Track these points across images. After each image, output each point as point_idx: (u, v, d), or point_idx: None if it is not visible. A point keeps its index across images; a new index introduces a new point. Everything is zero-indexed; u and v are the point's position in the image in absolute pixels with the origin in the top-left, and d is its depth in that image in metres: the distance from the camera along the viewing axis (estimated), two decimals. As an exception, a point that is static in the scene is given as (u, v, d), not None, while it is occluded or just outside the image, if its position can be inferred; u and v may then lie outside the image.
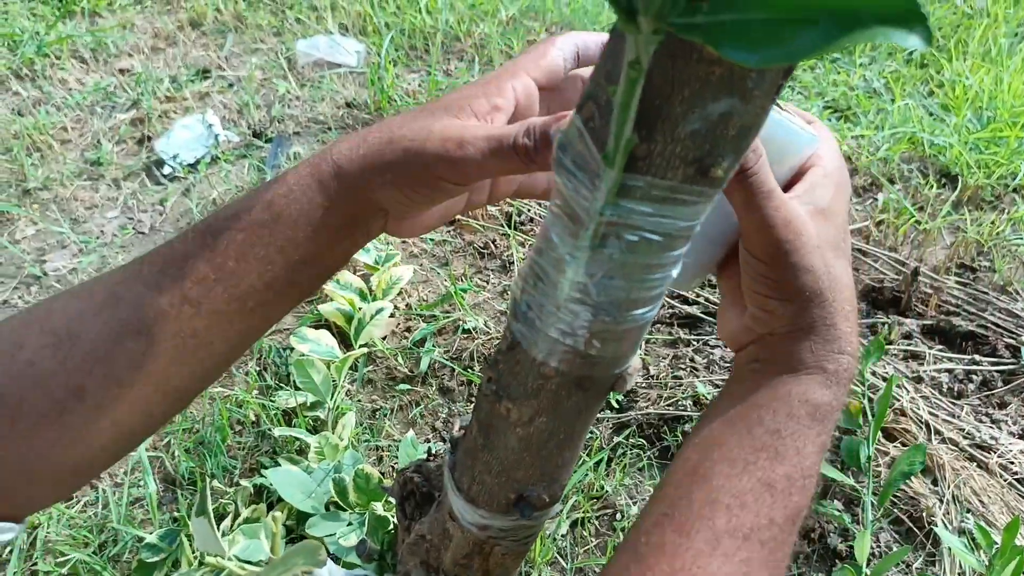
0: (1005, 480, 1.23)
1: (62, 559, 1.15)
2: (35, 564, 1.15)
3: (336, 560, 1.04)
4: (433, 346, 1.46)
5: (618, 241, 0.34)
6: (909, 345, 1.47)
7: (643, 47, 0.26)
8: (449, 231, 1.77)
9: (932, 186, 1.90)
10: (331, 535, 1.07)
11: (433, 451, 0.60)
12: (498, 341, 1.46)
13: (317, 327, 1.43)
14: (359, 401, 1.39)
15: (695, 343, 1.49)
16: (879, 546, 1.16)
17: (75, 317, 0.41)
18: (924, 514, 1.18)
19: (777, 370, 0.43)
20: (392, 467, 1.27)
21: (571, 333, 0.39)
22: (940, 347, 1.48)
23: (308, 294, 0.47)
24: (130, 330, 0.41)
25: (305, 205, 0.43)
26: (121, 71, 2.22)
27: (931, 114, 2.19)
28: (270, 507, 1.17)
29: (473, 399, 1.38)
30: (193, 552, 1.07)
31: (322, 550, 0.44)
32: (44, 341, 0.40)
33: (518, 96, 0.44)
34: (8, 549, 1.16)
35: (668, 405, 1.37)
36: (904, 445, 1.27)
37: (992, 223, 1.78)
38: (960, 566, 1.11)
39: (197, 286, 0.42)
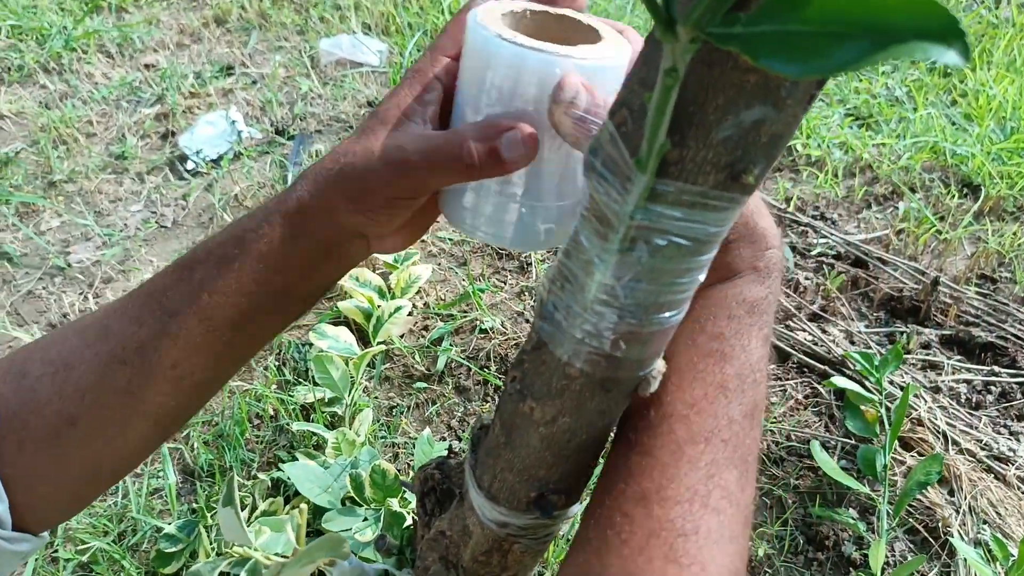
0: (1023, 492, 1.22)
1: (82, 547, 1.16)
2: (56, 551, 1.17)
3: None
4: (450, 345, 1.47)
5: (647, 245, 0.34)
6: (927, 355, 1.46)
7: (680, 55, 0.27)
8: (468, 231, 1.78)
9: (954, 196, 1.89)
10: (347, 530, 1.08)
11: (453, 448, 0.61)
12: (516, 342, 1.46)
13: (336, 324, 1.44)
14: (376, 398, 1.40)
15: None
16: (894, 555, 1.16)
17: (71, 349, 0.45)
18: (940, 524, 1.18)
19: (709, 282, 0.42)
20: (408, 464, 1.28)
21: (597, 335, 0.39)
22: (959, 357, 1.47)
23: (294, 319, 0.49)
24: (116, 360, 0.44)
25: (273, 240, 0.44)
26: (146, 66, 2.25)
27: (953, 123, 2.18)
28: (287, 501, 1.18)
29: (489, 399, 1.39)
30: (211, 543, 1.08)
31: (347, 543, 0.45)
32: (44, 370, 0.44)
33: (444, 83, 0.45)
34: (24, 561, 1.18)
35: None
36: (921, 455, 1.27)
37: (1014, 234, 1.77)
38: (975, 578, 1.11)
39: (173, 319, 0.44)
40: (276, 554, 0.82)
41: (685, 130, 0.30)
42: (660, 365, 0.44)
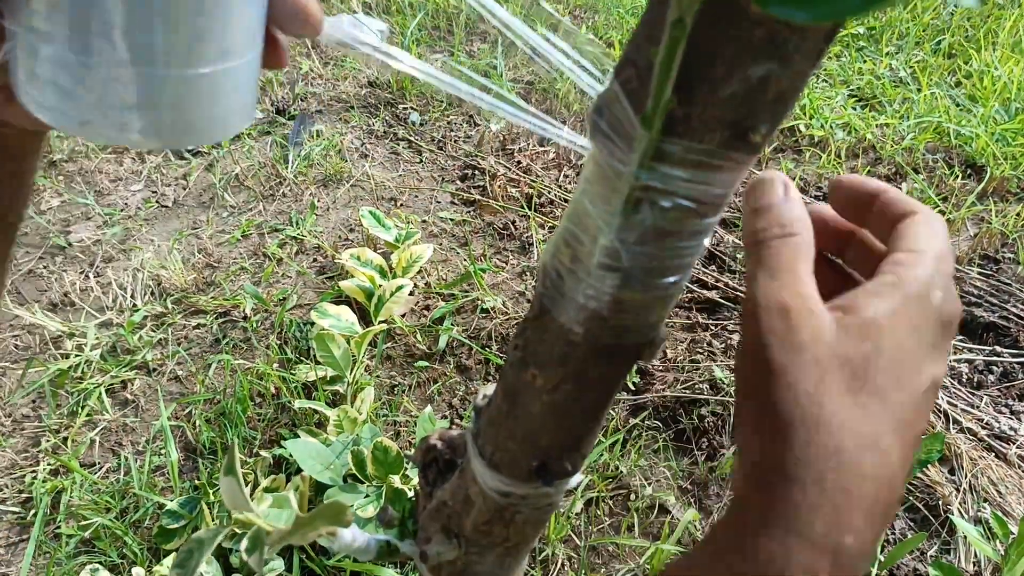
0: (1023, 470, 1.22)
1: (85, 523, 1.17)
2: (58, 527, 1.17)
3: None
4: (451, 325, 1.47)
5: (652, 207, 0.34)
6: (929, 335, 1.46)
7: (688, 6, 0.26)
8: (469, 211, 1.77)
9: (957, 176, 1.89)
10: (349, 506, 1.08)
11: (455, 422, 0.61)
12: (518, 321, 1.46)
13: (338, 303, 1.44)
14: (378, 377, 1.40)
15: (713, 327, 1.49)
16: (893, 533, 1.16)
17: None
18: (940, 502, 1.18)
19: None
20: (410, 442, 1.28)
21: (599, 299, 0.39)
22: (961, 338, 1.47)
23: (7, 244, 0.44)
24: None
25: None
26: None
27: (958, 104, 2.17)
28: (288, 478, 1.18)
29: (490, 378, 1.39)
30: (214, 519, 1.09)
31: (348, 510, 0.45)
32: None
33: None
34: (33, 512, 1.18)
35: (685, 388, 1.37)
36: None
37: (1017, 215, 1.77)
38: (975, 555, 1.11)
39: None
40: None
41: (691, 87, 0.30)
42: (662, 332, 0.44)
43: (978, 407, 1.32)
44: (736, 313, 1.48)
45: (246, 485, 1.15)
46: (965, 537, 1.10)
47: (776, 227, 0.33)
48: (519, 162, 1.90)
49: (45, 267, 1.60)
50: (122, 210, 1.74)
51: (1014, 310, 1.50)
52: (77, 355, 1.41)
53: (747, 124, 0.30)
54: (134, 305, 1.53)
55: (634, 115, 0.32)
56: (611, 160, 0.34)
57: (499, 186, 1.80)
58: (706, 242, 0.37)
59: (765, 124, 0.31)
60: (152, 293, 1.56)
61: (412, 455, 0.59)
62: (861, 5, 0.21)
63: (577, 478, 0.53)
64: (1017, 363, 1.40)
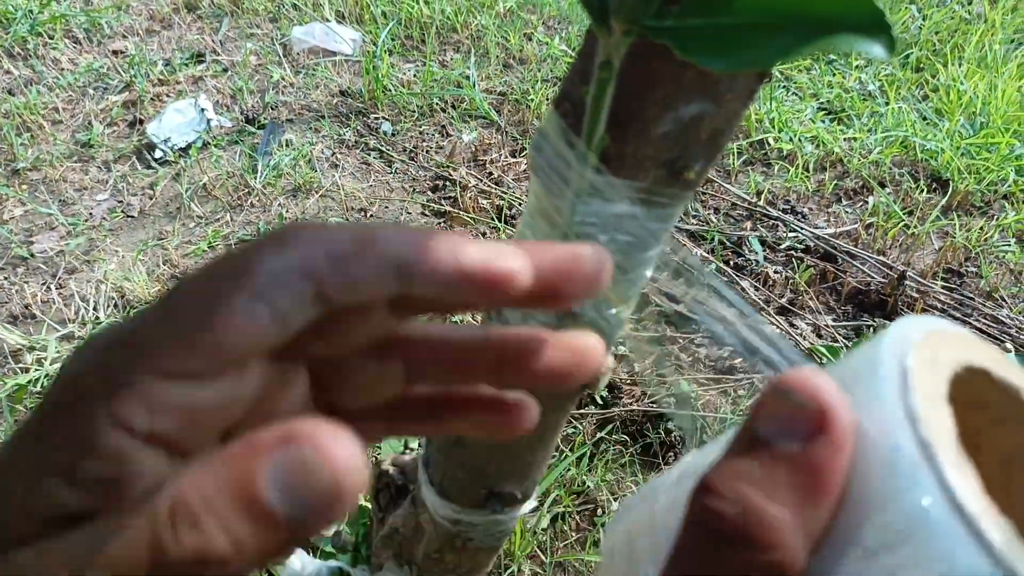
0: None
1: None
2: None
3: (315, 550, 1.04)
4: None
5: (590, 241, 0.34)
6: (894, 348, 1.48)
7: (615, 48, 0.26)
8: (440, 223, 1.77)
9: (923, 190, 1.91)
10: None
11: (409, 444, 0.60)
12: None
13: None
14: (344, 391, 1.38)
15: (681, 341, 1.50)
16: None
17: None
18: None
19: None
20: (376, 459, 1.27)
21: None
22: (925, 351, 1.48)
23: None
24: None
25: None
26: (115, 52, 2.21)
27: (924, 118, 2.20)
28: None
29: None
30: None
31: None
32: None
33: None
34: None
35: (652, 403, 1.37)
36: (885, 448, 1.28)
37: (981, 229, 1.79)
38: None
39: None
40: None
41: (625, 125, 0.30)
42: (610, 362, 0.43)
43: (941, 421, 1.33)
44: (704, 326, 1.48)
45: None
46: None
47: None
48: (491, 173, 1.89)
49: (6, 278, 1.57)
50: (87, 220, 1.71)
51: (976, 324, 1.52)
52: (37, 369, 1.38)
53: (681, 163, 0.30)
54: (97, 317, 1.50)
55: (569, 152, 0.32)
56: (550, 195, 0.34)
57: (470, 197, 1.80)
58: (648, 273, 0.37)
59: (699, 161, 0.31)
60: (116, 305, 1.53)
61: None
62: (777, 55, 0.21)
63: (530, 504, 0.52)
64: (979, 377, 1.42)
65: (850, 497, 0.18)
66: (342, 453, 0.17)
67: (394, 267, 0.21)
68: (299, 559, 0.53)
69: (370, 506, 0.59)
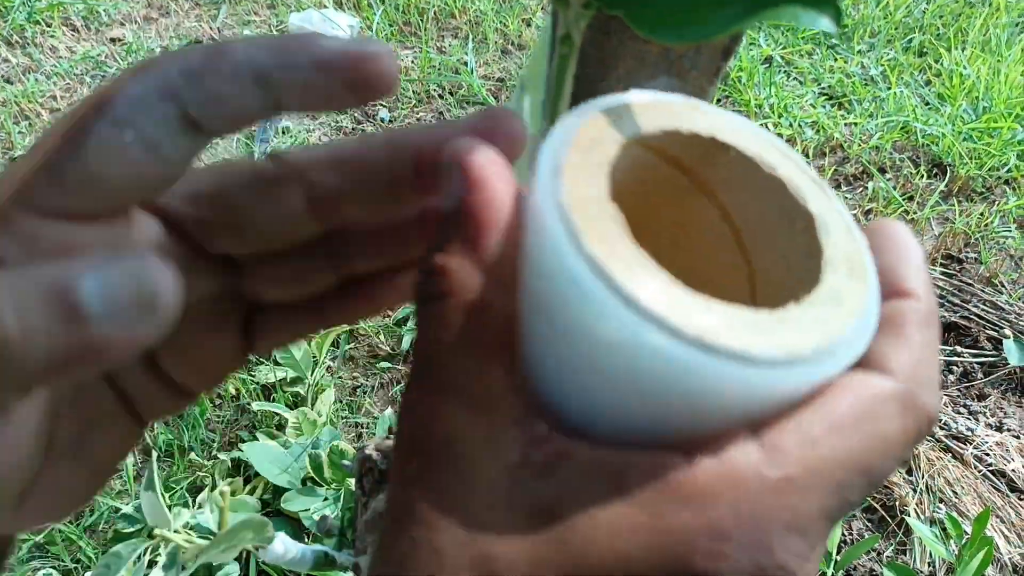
0: (979, 471, 1.23)
1: (38, 527, 1.15)
2: (11, 532, 1.15)
3: (307, 535, 1.04)
4: (415, 325, 1.46)
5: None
6: (892, 335, 1.47)
7: (574, 22, 0.26)
8: (437, 209, 1.76)
9: (923, 176, 1.90)
10: (306, 510, 1.08)
11: (393, 428, 0.60)
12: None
13: (300, 303, 1.43)
14: (340, 378, 1.39)
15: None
16: (851, 534, 1.17)
17: None
18: (897, 503, 1.19)
19: None
20: (360, 445, 1.28)
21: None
22: (923, 337, 1.48)
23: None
24: None
25: None
26: (113, 40, 2.20)
27: (926, 103, 2.18)
28: (247, 481, 1.17)
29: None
30: (166, 524, 1.07)
31: (270, 526, 0.44)
32: None
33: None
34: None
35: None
36: (882, 434, 1.28)
37: (981, 214, 1.78)
38: (930, 555, 1.12)
39: None
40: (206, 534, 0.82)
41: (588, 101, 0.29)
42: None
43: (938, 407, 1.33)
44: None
45: (203, 489, 1.14)
46: (920, 539, 1.11)
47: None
48: (488, 160, 1.89)
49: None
50: (84, 208, 1.71)
51: (975, 310, 1.51)
52: (35, 356, 1.39)
53: (646, 140, 0.30)
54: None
55: (535, 130, 0.31)
56: (519, 177, 0.33)
57: (468, 184, 1.79)
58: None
59: (666, 140, 0.30)
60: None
61: (351, 464, 0.58)
62: (724, 26, 0.20)
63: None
64: (977, 363, 1.41)
65: (526, 267, 0.20)
66: (167, 275, 0.17)
67: (251, 73, 0.20)
68: (282, 543, 0.53)
69: (355, 491, 0.59)
